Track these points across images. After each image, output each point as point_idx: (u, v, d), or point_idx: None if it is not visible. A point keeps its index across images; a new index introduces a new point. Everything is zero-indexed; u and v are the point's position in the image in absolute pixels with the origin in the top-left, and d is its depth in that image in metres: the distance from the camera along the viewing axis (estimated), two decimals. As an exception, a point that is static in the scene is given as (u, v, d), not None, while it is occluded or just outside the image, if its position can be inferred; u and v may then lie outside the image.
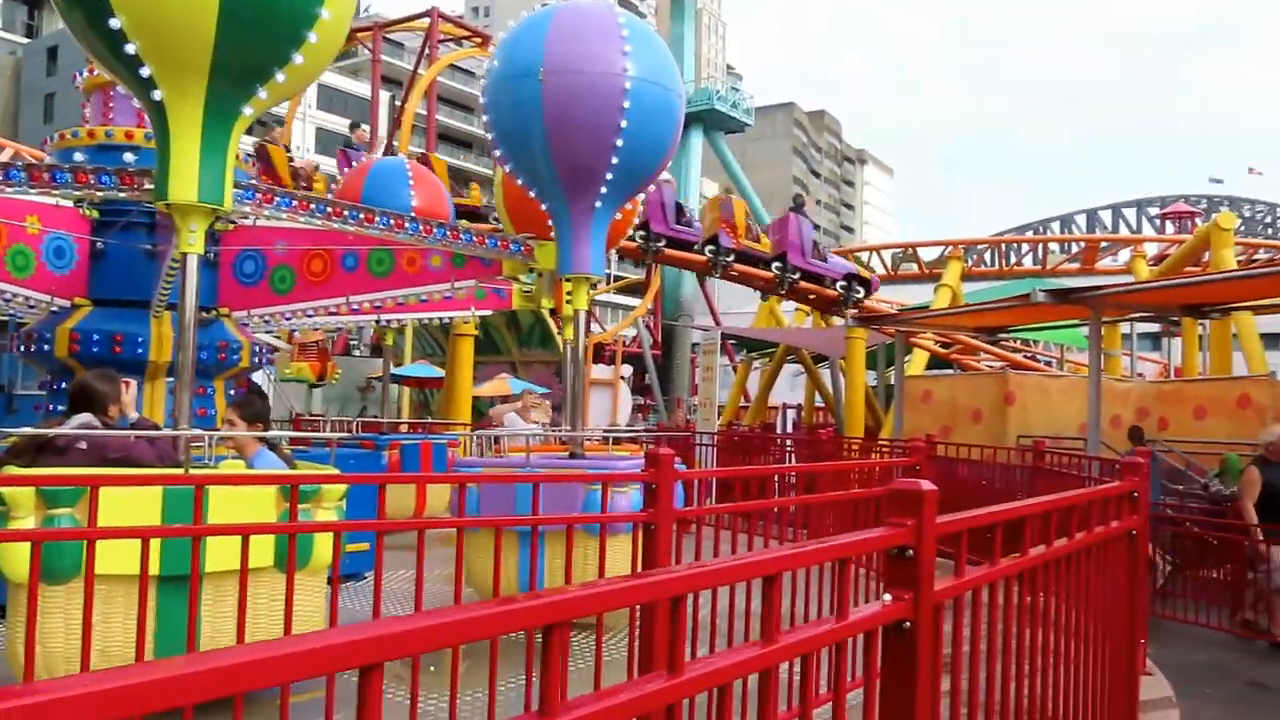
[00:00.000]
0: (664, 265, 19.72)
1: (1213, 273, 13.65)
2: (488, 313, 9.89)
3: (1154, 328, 28.51)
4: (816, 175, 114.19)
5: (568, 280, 7.46)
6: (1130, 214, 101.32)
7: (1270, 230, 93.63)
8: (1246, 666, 7.76)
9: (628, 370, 17.72)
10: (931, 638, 2.06)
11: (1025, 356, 26.88)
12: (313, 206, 6.00)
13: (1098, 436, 11.39)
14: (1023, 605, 2.68)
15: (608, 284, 36.27)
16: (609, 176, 7.06)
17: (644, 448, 9.17)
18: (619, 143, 6.90)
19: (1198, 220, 47.77)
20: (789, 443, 15.71)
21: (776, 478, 7.78)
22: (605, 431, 8.82)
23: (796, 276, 19.64)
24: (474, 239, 7.12)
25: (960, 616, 2.33)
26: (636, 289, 51.01)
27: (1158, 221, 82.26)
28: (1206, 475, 12.41)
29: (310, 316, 8.43)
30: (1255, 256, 23.81)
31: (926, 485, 2.06)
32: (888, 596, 2.02)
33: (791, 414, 27.57)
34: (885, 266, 27.62)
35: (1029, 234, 71.94)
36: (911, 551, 2.03)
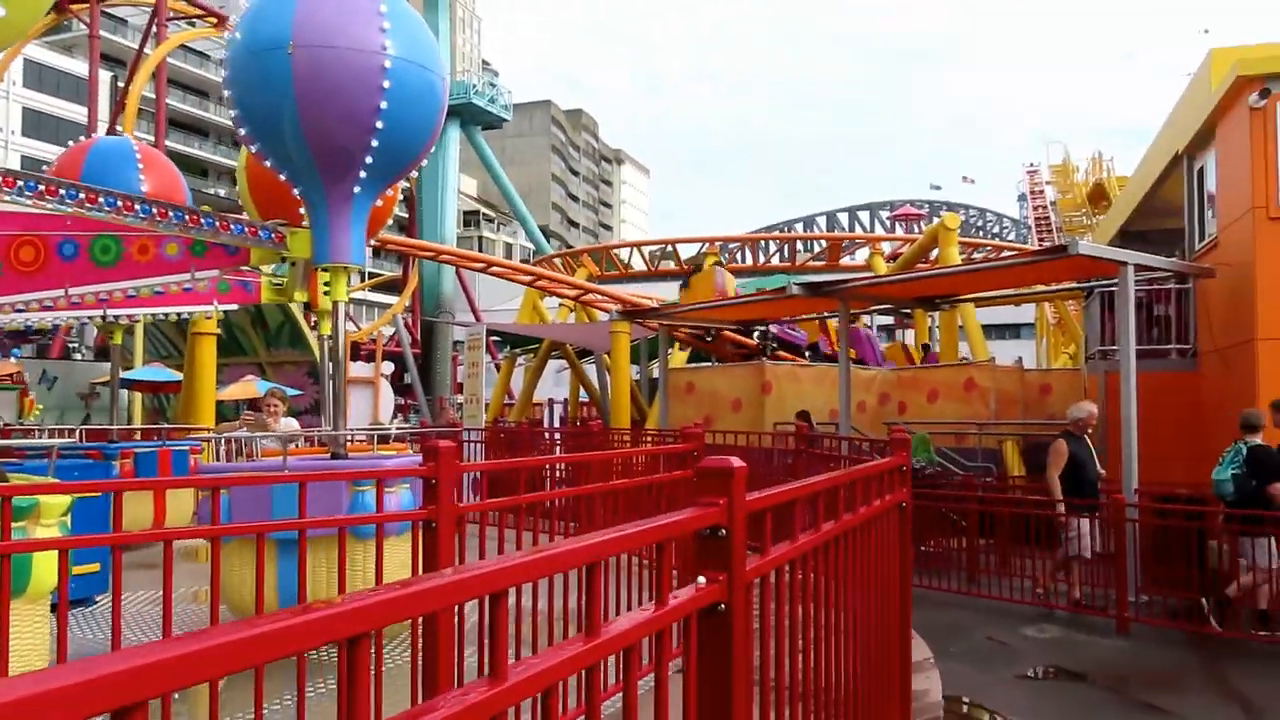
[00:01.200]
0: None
1: (944, 267, 14.92)
2: (233, 307, 9.15)
3: (889, 320, 31.11)
4: (575, 173, 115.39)
5: (324, 270, 7.01)
6: (864, 216, 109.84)
7: (982, 232, 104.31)
8: (979, 625, 8.53)
9: (389, 368, 17.09)
10: (745, 619, 2.01)
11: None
12: (20, 184, 5.25)
13: (849, 420, 12.13)
14: (818, 580, 2.70)
15: (363, 280, 34.84)
16: (368, 160, 6.69)
17: (412, 446, 8.79)
18: (379, 124, 6.55)
19: (922, 222, 52.49)
20: (558, 436, 15.73)
21: (548, 471, 7.67)
22: (370, 430, 8.39)
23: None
24: (216, 224, 6.52)
25: (767, 594, 2.31)
26: (393, 286, 49.51)
27: (889, 222, 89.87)
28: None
29: (20, 312, 7.43)
30: (974, 255, 26.34)
31: (737, 462, 2.01)
32: (701, 579, 1.95)
33: (558, 409, 27.64)
34: (645, 263, 28.25)
35: (777, 233, 76.40)
36: (724, 531, 1.97)
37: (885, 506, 3.54)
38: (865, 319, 23.41)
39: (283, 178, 6.81)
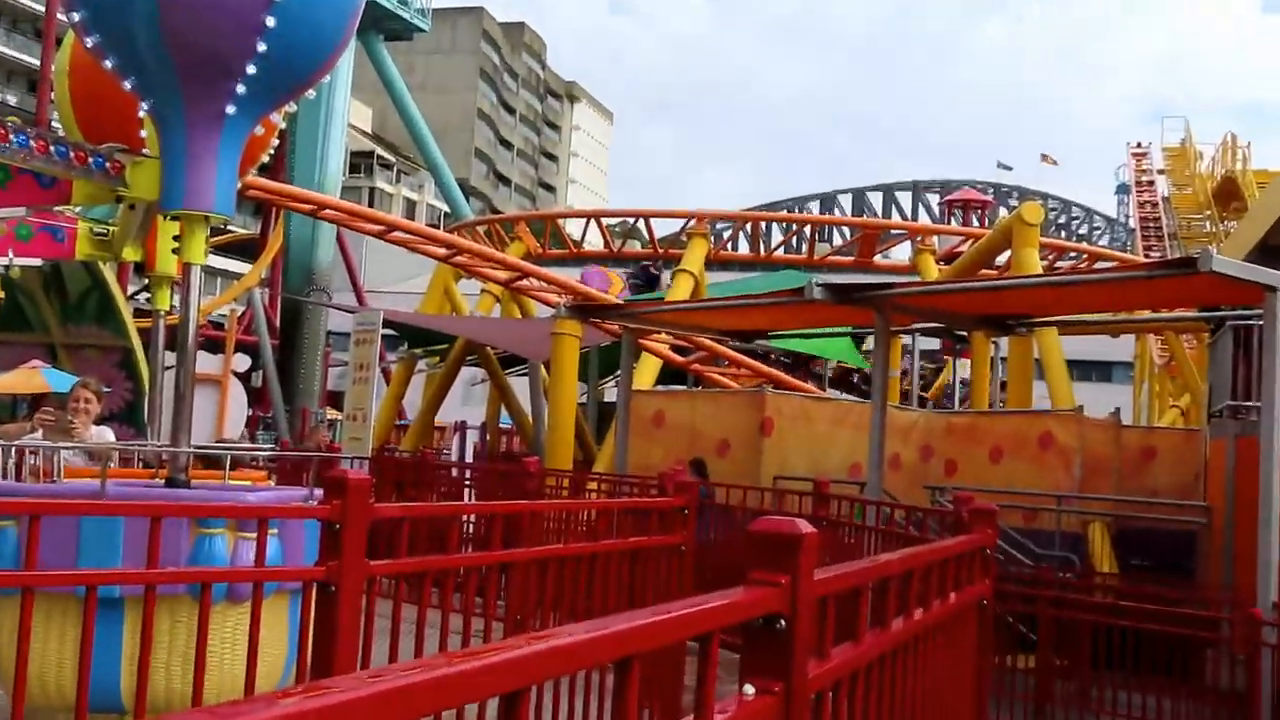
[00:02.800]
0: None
1: (1022, 276, 15.12)
2: (34, 262, 9.04)
3: (933, 343, 31.49)
4: (510, 110, 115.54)
5: (174, 219, 6.96)
6: (905, 198, 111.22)
7: (1064, 232, 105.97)
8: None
9: (242, 363, 16.86)
10: (807, 744, 2.03)
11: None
12: None
13: (881, 480, 12.23)
14: (883, 697, 2.74)
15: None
16: (251, 71, 6.65)
17: (271, 474, 8.71)
18: (269, 20, 6.52)
19: (986, 213, 53.21)
20: (471, 476, 15.68)
21: (467, 526, 7.63)
22: (217, 449, 8.32)
23: None
24: (32, 143, 6.45)
25: (824, 716, 2.33)
26: (245, 249, 49.13)
27: (939, 210, 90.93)
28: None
29: None
30: (1057, 264, 26.76)
31: (804, 526, 2.04)
32: (750, 690, 1.96)
33: (471, 437, 27.59)
34: (607, 241, 28.37)
35: (786, 212, 77.00)
36: (784, 622, 1.98)
37: (964, 603, 3.58)
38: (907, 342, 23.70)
39: (127, 86, 6.75)
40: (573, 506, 7.03)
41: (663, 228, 29.58)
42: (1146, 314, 19.66)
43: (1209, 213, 37.32)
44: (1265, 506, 9.58)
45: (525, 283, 22.41)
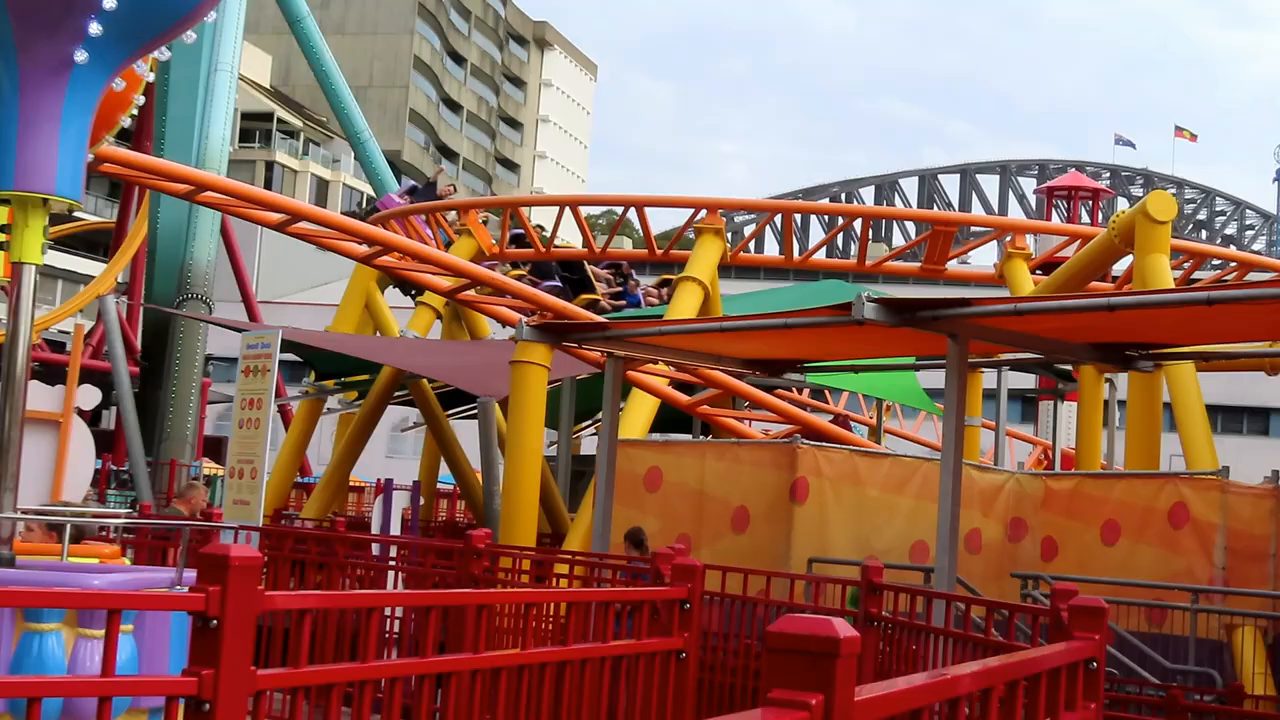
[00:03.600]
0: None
1: (1146, 292, 15.17)
2: None
3: (1028, 381, 31.58)
4: (459, 60, 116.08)
5: (3, 205, 7.02)
6: (990, 183, 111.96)
7: (1205, 231, 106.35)
8: None
9: (91, 397, 16.76)
10: None
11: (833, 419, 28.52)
12: None
13: (954, 565, 12.26)
14: None
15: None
16: (107, 5, 6.71)
17: (126, 549, 8.73)
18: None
19: (1102, 204, 53.47)
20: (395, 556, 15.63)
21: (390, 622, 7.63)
22: (53, 514, 8.34)
23: None
24: None
25: None
26: (100, 242, 49.14)
27: (1036, 199, 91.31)
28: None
29: None
30: (1195, 276, 26.87)
31: (843, 629, 2.09)
32: None
33: (399, 500, 27.50)
34: (587, 237, 28.42)
35: (827, 202, 77.20)
36: (815, 757, 2.01)
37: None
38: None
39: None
40: (535, 597, 7.03)
41: (662, 220, 29.62)
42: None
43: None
44: None
45: (475, 294, 22.45)
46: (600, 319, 19.48)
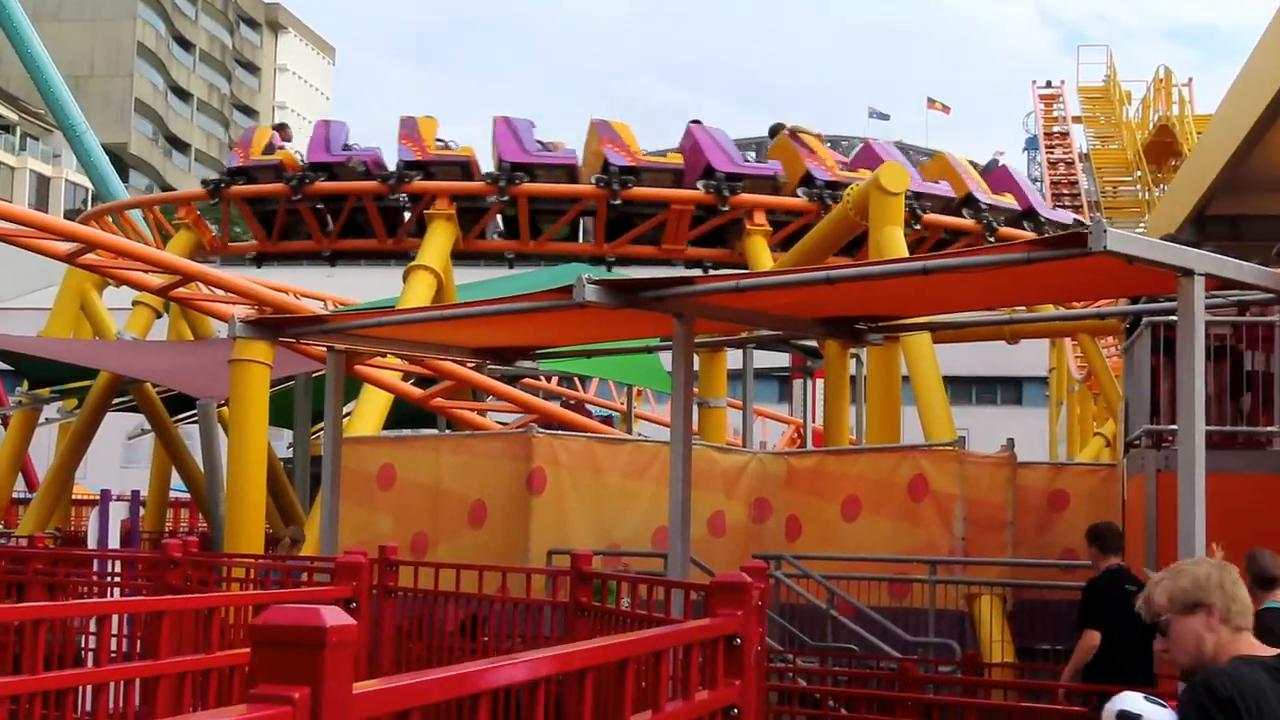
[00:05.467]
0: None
1: (874, 262, 15.42)
2: None
3: (781, 359, 32.00)
4: (187, 46, 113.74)
5: None
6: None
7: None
8: None
9: None
10: None
11: (562, 404, 28.59)
12: None
13: (687, 549, 12.30)
14: None
15: None
16: None
17: None
18: None
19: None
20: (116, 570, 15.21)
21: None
22: None
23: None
24: None
25: None
26: None
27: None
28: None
29: None
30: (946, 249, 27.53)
31: (331, 617, 2.02)
32: None
33: (122, 511, 26.87)
34: (314, 231, 27.98)
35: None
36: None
37: (695, 715, 3.59)
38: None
39: None
40: (201, 603, 6.85)
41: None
42: (1049, 310, 20.39)
43: (1139, 173, 38.95)
44: (1184, 558, 9.94)
45: (188, 291, 21.99)
46: (319, 312, 19.17)
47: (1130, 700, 6.07)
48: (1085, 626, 11.41)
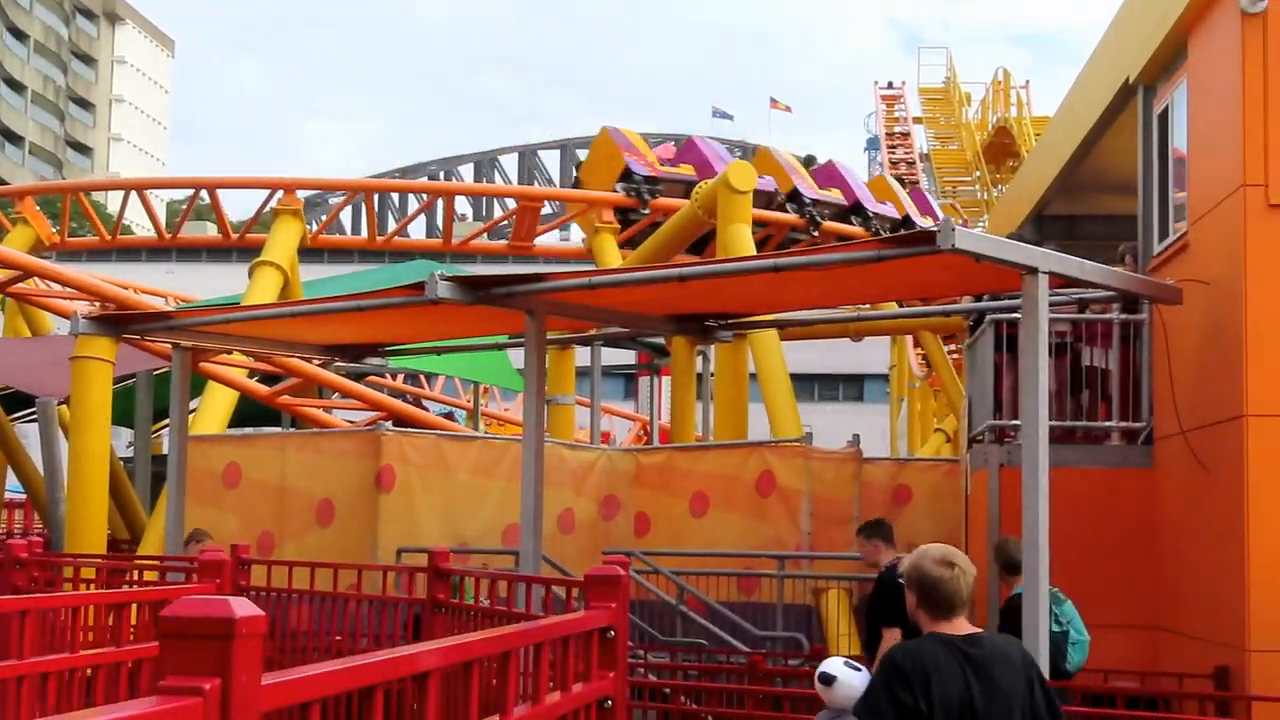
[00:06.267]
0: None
1: (721, 261, 15.56)
2: None
3: (627, 357, 32.12)
4: (21, 37, 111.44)
5: None
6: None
7: (799, 203, 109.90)
8: None
9: None
10: None
11: (409, 401, 28.44)
12: None
13: (539, 547, 12.34)
14: None
15: None
16: None
17: None
18: None
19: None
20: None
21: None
22: None
23: None
24: None
25: None
26: None
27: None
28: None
29: None
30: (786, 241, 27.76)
31: (240, 608, 2.03)
32: None
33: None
34: (157, 224, 27.55)
35: (425, 180, 76.90)
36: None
37: (567, 709, 3.63)
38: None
39: None
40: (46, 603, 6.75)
41: (243, 204, 28.97)
42: (891, 308, 20.70)
43: (978, 174, 39.62)
44: (1030, 558, 10.16)
45: (25, 286, 21.57)
46: (164, 308, 18.89)
47: (832, 664, 7.32)
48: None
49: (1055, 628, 10.50)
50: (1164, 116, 13.42)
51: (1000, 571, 11.22)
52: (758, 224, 23.98)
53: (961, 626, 6.15)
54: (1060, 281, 11.03)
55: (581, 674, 3.77)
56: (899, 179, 43.17)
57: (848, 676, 6.95)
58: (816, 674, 7.13)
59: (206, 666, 1.96)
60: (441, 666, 2.87)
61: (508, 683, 3.18)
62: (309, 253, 26.71)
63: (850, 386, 61.04)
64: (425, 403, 31.66)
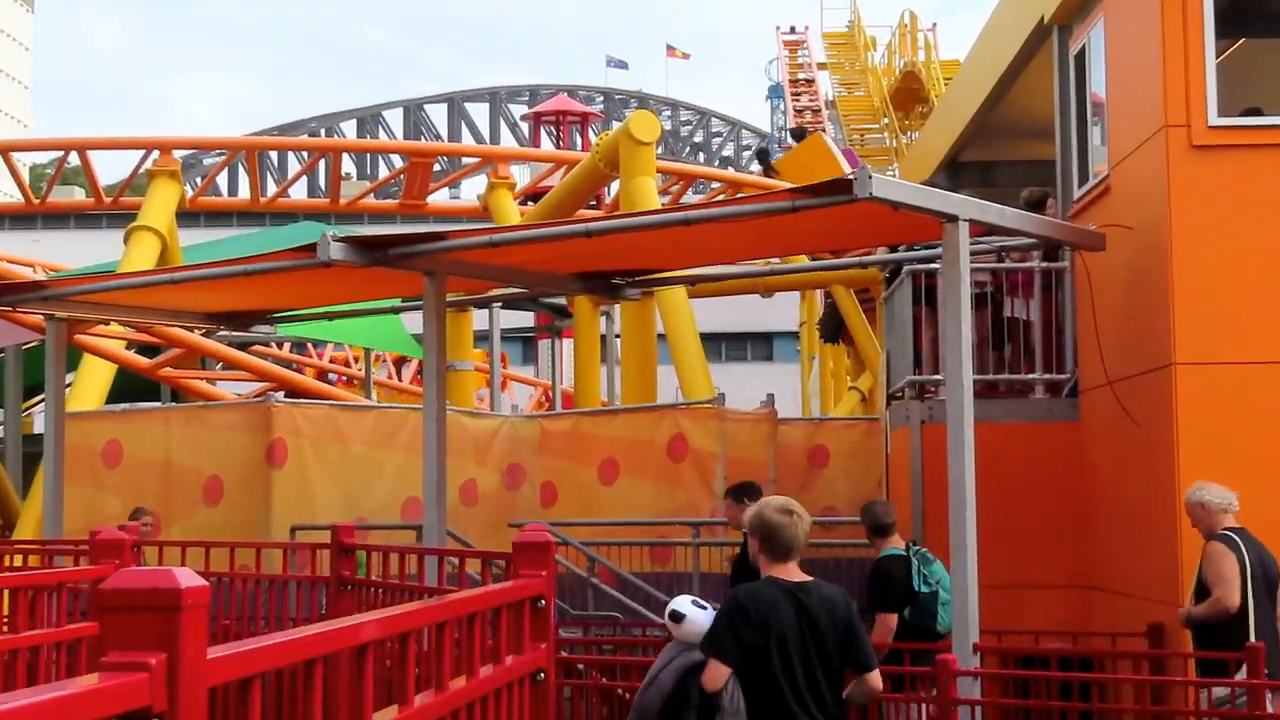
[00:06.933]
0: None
1: (623, 215, 15.55)
2: None
3: (526, 319, 32.07)
4: None
5: None
6: (479, 112, 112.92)
7: (701, 154, 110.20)
8: None
9: None
10: None
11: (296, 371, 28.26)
12: None
13: (443, 520, 12.33)
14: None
15: None
16: None
17: None
18: None
19: (594, 129, 54.68)
20: None
21: None
22: None
23: None
24: None
25: None
26: None
27: (525, 127, 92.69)
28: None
29: None
30: (687, 199, 27.77)
31: (188, 578, 2.02)
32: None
33: None
34: (25, 190, 27.09)
35: (306, 137, 76.18)
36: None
37: (499, 683, 3.64)
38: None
39: None
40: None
41: (115, 167, 28.59)
42: (803, 262, 20.78)
43: (886, 121, 39.78)
44: (956, 513, 10.28)
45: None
46: (37, 278, 18.63)
47: (680, 602, 7.88)
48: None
49: (924, 588, 10.87)
50: (1080, 57, 13.53)
51: (868, 534, 11.42)
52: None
53: (794, 573, 7.28)
54: (980, 230, 11.14)
55: (512, 646, 3.79)
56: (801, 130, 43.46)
57: (695, 614, 7.66)
58: (666, 611, 7.95)
59: (151, 641, 1.95)
60: (379, 639, 2.87)
61: (443, 655, 3.19)
62: (184, 216, 26.43)
63: (759, 345, 61.32)
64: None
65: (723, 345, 58.07)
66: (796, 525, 7.18)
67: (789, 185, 16.68)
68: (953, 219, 10.39)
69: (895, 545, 11.13)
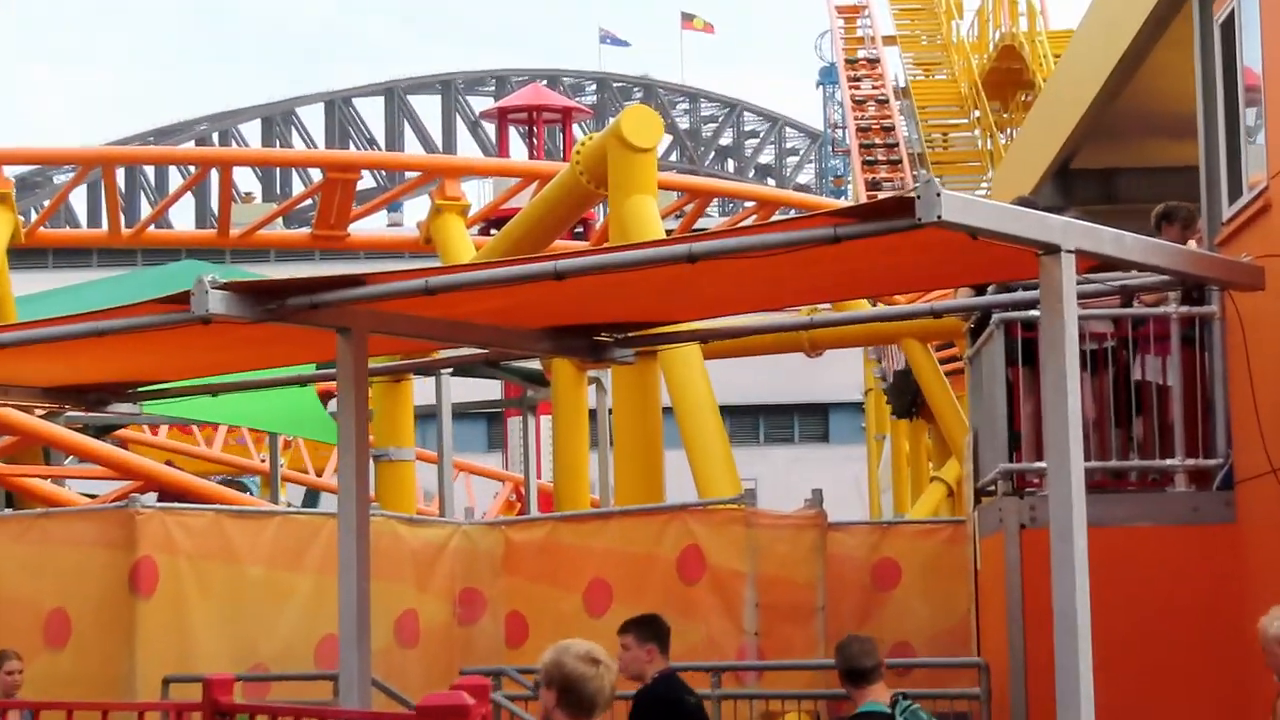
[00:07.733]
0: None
1: (618, 248, 15.53)
2: None
3: (491, 390, 32.01)
4: None
5: None
6: (428, 106, 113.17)
7: (730, 160, 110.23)
8: None
9: None
10: None
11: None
12: None
13: (367, 667, 12.24)
14: None
15: None
16: None
17: None
18: None
19: (581, 127, 54.39)
20: None
21: None
22: None
23: None
24: None
25: None
26: None
27: (489, 127, 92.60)
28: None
29: None
30: (701, 225, 27.67)
31: None
32: None
33: None
34: None
35: (191, 145, 76.18)
36: None
37: None
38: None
39: None
40: None
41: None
42: (862, 308, 20.72)
43: (977, 114, 39.80)
44: (1066, 660, 10.19)
45: None
46: None
47: None
48: None
49: None
50: (1228, 26, 13.44)
51: (841, 680, 11.21)
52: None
53: None
54: (1093, 263, 11.06)
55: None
56: (866, 126, 43.36)
57: None
58: None
59: None
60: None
61: None
62: (24, 254, 26.44)
63: (810, 421, 60.99)
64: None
65: (760, 421, 57.87)
66: (603, 677, 7.21)
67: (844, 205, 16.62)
68: (1052, 250, 10.29)
69: (878, 698, 10.92)
